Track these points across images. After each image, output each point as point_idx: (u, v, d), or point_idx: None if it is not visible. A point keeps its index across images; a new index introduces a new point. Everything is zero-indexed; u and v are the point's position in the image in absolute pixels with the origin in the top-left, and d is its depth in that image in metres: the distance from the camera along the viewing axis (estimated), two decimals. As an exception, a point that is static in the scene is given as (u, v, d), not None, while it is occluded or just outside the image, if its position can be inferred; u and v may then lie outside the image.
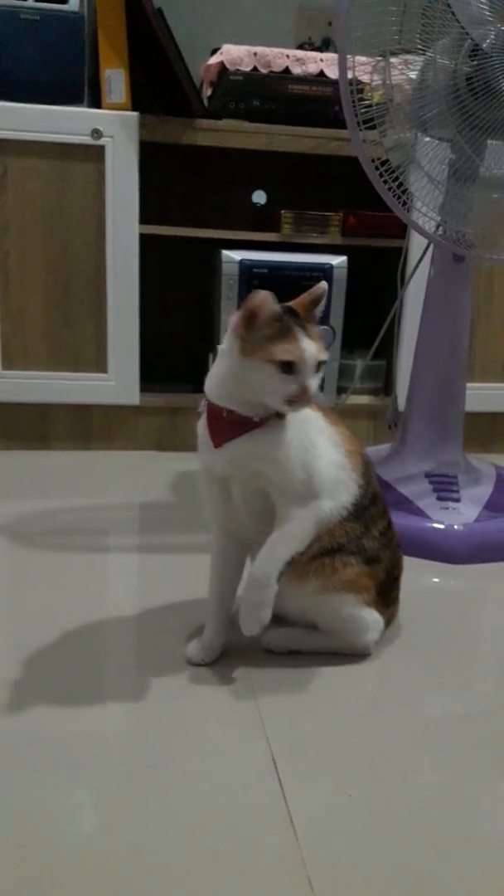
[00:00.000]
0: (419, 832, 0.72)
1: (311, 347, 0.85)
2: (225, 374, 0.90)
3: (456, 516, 1.37)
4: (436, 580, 1.30)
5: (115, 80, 1.77)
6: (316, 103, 1.83)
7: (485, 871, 0.69)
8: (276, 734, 0.85)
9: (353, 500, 0.97)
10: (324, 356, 0.87)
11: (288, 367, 0.84)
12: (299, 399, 0.86)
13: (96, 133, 1.75)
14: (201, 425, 0.94)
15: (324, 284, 0.90)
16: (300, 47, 2.04)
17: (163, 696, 0.92)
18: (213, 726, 0.87)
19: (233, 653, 1.00)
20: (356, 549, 0.97)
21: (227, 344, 0.89)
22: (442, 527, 1.36)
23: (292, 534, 0.92)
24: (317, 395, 0.88)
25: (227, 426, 0.90)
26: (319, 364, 0.87)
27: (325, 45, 2.07)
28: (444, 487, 1.42)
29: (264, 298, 0.84)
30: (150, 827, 0.71)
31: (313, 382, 0.86)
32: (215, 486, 0.95)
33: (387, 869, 0.68)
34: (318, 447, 0.95)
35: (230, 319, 0.88)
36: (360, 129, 1.27)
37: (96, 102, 1.79)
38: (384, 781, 0.79)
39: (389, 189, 1.31)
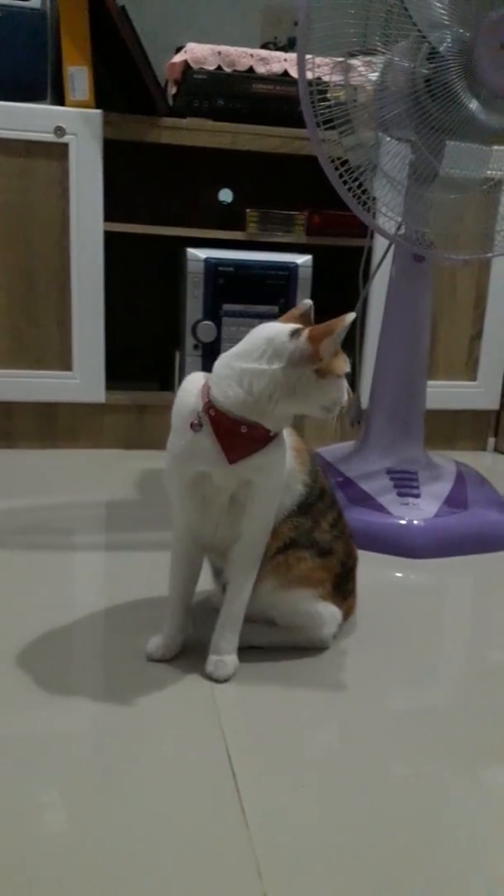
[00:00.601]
0: (372, 824, 0.74)
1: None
2: (273, 393, 0.88)
3: (416, 512, 1.39)
4: (395, 574, 1.31)
5: (78, 77, 1.76)
6: (280, 103, 1.84)
7: (438, 861, 0.70)
8: (232, 727, 0.86)
9: (299, 502, 0.98)
10: None
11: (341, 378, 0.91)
12: (347, 404, 0.93)
13: (59, 130, 1.75)
14: (201, 439, 0.90)
15: (350, 316, 0.90)
16: (264, 46, 2.06)
17: (122, 692, 0.92)
18: (170, 720, 0.87)
19: (191, 649, 1.01)
20: (308, 543, 0.98)
21: (278, 367, 0.88)
22: (402, 522, 1.38)
23: (255, 562, 0.96)
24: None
25: (246, 443, 0.89)
26: None
27: (290, 45, 2.08)
28: (405, 483, 1.44)
29: (340, 322, 0.88)
30: (109, 819, 0.72)
31: None
32: (195, 493, 0.93)
33: (337, 859, 0.69)
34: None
35: (289, 344, 0.88)
36: (320, 129, 1.28)
37: (59, 100, 1.79)
38: (339, 774, 0.80)
39: (349, 189, 1.33)
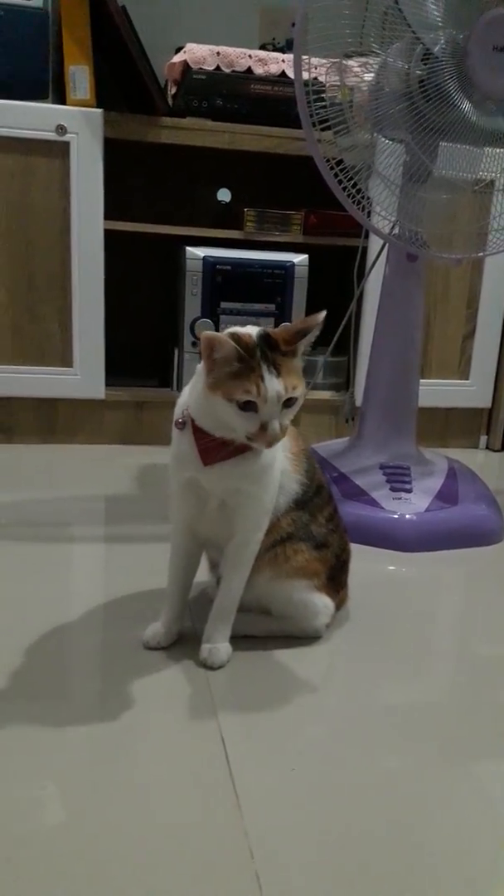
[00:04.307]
0: (361, 807, 0.76)
1: (275, 386, 0.83)
2: (201, 401, 0.89)
3: (408, 506, 1.42)
4: (387, 567, 1.34)
5: (80, 76, 1.79)
6: (278, 103, 1.86)
7: (425, 848, 0.72)
8: (227, 713, 0.89)
9: (295, 499, 1.00)
10: (296, 393, 0.85)
11: (248, 406, 0.83)
12: (259, 438, 0.85)
13: (61, 129, 1.77)
14: (185, 440, 0.92)
15: (321, 315, 0.87)
16: (263, 47, 2.08)
17: (119, 679, 0.94)
18: (165, 706, 0.90)
19: (187, 638, 1.03)
20: (305, 536, 1.01)
21: (199, 369, 0.88)
22: (394, 516, 1.40)
23: (247, 561, 0.97)
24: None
25: (218, 446, 0.89)
26: (291, 399, 0.85)
27: (288, 46, 2.10)
28: (398, 479, 1.46)
29: (217, 338, 0.82)
30: (105, 802, 0.74)
31: (278, 422, 0.85)
32: (191, 494, 0.95)
33: (326, 842, 0.71)
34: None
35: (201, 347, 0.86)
36: (316, 129, 1.31)
37: (61, 99, 1.81)
38: (330, 759, 0.83)
39: (344, 189, 1.35)
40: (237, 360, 0.84)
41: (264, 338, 0.86)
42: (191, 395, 0.92)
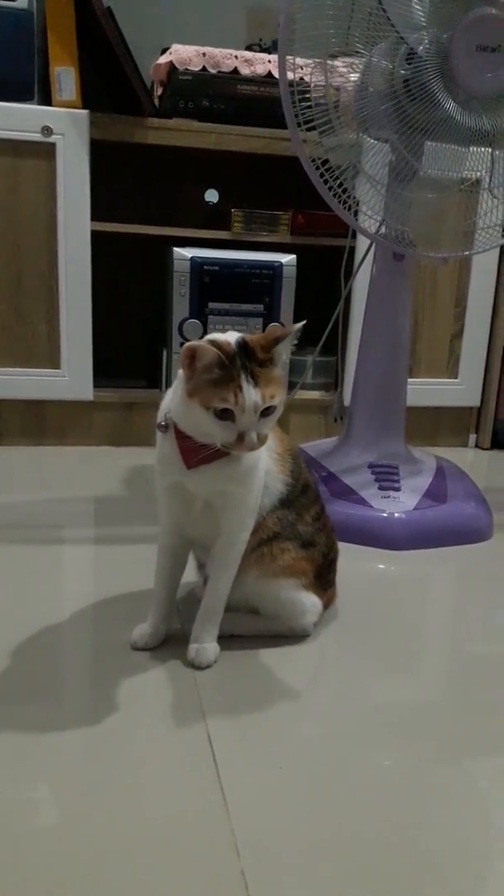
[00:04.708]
0: (350, 807, 0.76)
1: (253, 396, 0.83)
2: (181, 406, 0.89)
3: (396, 505, 1.42)
4: (376, 566, 1.34)
5: (65, 77, 1.78)
6: (264, 104, 1.86)
7: (416, 847, 0.72)
8: (214, 713, 0.88)
9: (280, 499, 1.00)
10: (273, 402, 0.85)
11: (225, 414, 0.83)
12: (235, 447, 0.85)
13: (47, 130, 1.76)
14: (167, 444, 0.92)
15: (299, 325, 0.88)
16: (249, 48, 2.08)
17: (107, 679, 0.94)
18: (152, 706, 0.90)
19: (175, 638, 1.03)
20: (292, 535, 1.01)
21: (180, 374, 0.88)
22: (383, 515, 1.41)
23: (234, 561, 0.97)
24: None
25: (199, 449, 0.88)
26: (269, 408, 0.85)
27: (274, 47, 2.10)
28: (386, 478, 1.47)
29: (199, 346, 0.82)
30: (93, 801, 0.74)
31: (255, 431, 0.85)
32: (176, 496, 0.95)
33: (315, 840, 0.71)
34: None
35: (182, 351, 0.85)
36: (301, 129, 1.31)
37: (47, 100, 1.80)
38: (318, 759, 0.83)
39: (330, 189, 1.35)
40: (218, 367, 0.83)
41: (242, 346, 0.86)
42: (173, 398, 0.92)
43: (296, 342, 0.89)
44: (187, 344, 0.83)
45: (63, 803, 0.73)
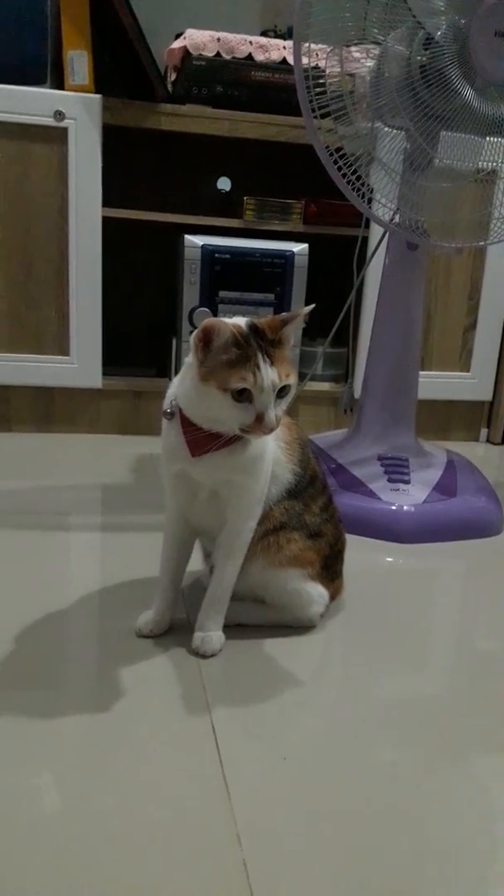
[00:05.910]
0: (353, 798, 0.75)
1: (270, 375, 0.82)
2: (191, 392, 0.87)
3: (405, 498, 1.41)
4: (385, 559, 1.33)
5: (78, 61, 1.77)
6: (279, 91, 1.84)
7: (419, 841, 0.72)
8: (218, 702, 0.88)
9: (288, 488, 0.99)
10: (289, 381, 0.84)
11: (243, 396, 0.82)
12: (255, 429, 0.84)
13: (59, 115, 1.75)
14: (173, 432, 0.91)
15: (307, 308, 0.87)
16: (264, 34, 2.06)
17: (111, 666, 0.94)
18: (157, 693, 0.89)
19: (180, 627, 1.02)
20: (299, 525, 1.00)
21: (189, 361, 0.87)
22: (392, 507, 1.39)
23: (240, 550, 0.96)
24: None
25: (206, 438, 0.88)
26: (284, 388, 0.84)
27: (289, 33, 2.08)
28: (396, 470, 1.45)
29: (219, 323, 0.81)
30: (97, 789, 0.74)
31: (273, 411, 0.83)
32: (182, 484, 0.95)
33: (317, 831, 0.71)
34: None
35: (192, 337, 0.84)
36: (316, 117, 1.29)
37: (59, 84, 1.79)
38: (321, 749, 0.82)
39: (344, 177, 1.34)
40: (234, 347, 0.83)
41: (252, 327, 0.85)
42: (180, 386, 0.91)
43: (305, 324, 0.88)
44: (207, 320, 0.82)
45: (66, 790, 0.73)
